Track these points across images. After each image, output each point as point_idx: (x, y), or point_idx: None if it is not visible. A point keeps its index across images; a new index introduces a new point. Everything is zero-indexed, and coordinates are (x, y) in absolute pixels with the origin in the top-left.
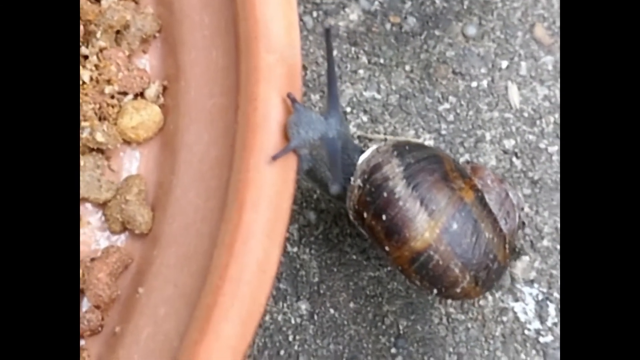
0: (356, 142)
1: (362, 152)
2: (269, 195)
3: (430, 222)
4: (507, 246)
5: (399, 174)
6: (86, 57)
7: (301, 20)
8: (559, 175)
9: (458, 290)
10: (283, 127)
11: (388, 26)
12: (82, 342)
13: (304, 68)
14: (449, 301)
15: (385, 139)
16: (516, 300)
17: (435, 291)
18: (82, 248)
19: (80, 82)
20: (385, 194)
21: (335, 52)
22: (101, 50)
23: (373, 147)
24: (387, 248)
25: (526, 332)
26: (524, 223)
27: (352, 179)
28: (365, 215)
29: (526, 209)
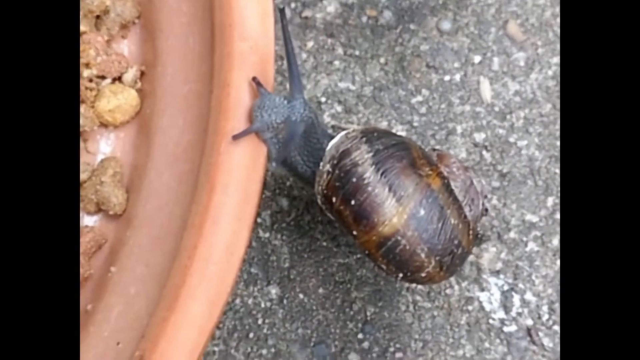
0: (330, 131)
1: (332, 137)
2: (239, 178)
3: (399, 208)
4: (470, 232)
5: (368, 160)
6: None
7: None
8: (527, 169)
9: (423, 274)
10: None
11: (364, 19)
12: None
13: (280, 58)
14: (416, 288)
15: None
16: (482, 290)
17: (400, 275)
18: None
19: None
20: (354, 179)
21: (311, 43)
22: (81, 34)
23: (342, 133)
24: (354, 232)
25: (491, 321)
26: (486, 210)
27: (320, 164)
28: (334, 200)
29: (494, 201)
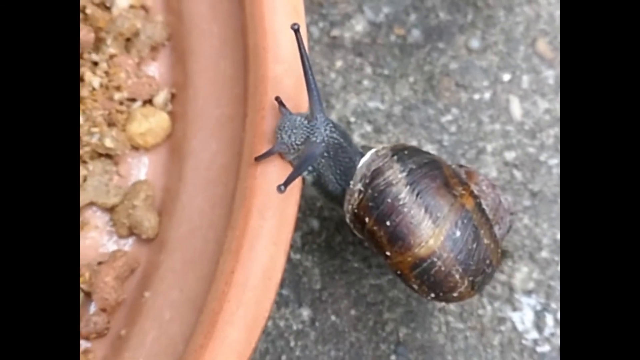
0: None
1: (363, 155)
2: (275, 202)
3: (435, 230)
4: (499, 251)
5: (402, 180)
6: (96, 63)
7: (307, 30)
8: (558, 188)
9: (455, 294)
10: None
11: (393, 38)
12: (88, 345)
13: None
14: (448, 309)
15: None
16: (514, 310)
17: (432, 295)
18: (90, 252)
19: (90, 89)
20: (389, 200)
21: (340, 63)
22: (111, 57)
23: (372, 151)
24: (388, 253)
25: (524, 341)
26: (510, 226)
27: (351, 182)
28: (366, 220)
29: (525, 220)
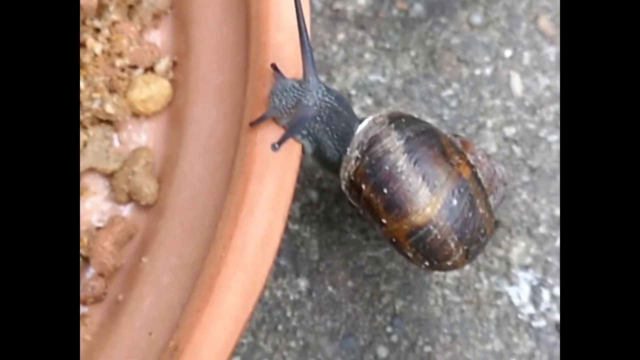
0: None
1: (361, 122)
2: (274, 168)
3: (432, 198)
4: (493, 220)
5: (399, 148)
6: (98, 30)
7: (310, 2)
8: (557, 164)
9: (449, 263)
10: None
11: (395, 12)
12: (85, 310)
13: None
14: (445, 282)
15: None
16: (511, 284)
17: (427, 263)
18: (88, 217)
19: (92, 55)
20: (387, 167)
21: (342, 36)
22: (113, 23)
23: (369, 118)
24: (383, 220)
25: (520, 316)
26: (504, 196)
27: (348, 149)
28: (363, 187)
29: (524, 196)
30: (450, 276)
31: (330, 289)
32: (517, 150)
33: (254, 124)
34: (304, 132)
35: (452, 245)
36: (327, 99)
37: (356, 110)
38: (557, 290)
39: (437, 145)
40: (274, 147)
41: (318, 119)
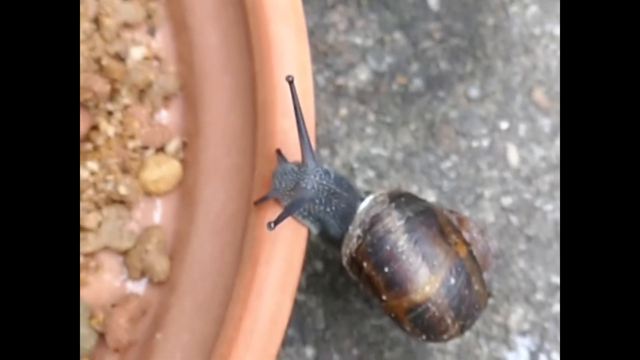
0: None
1: (363, 201)
2: (282, 251)
3: (431, 277)
4: (487, 295)
5: (400, 228)
6: (111, 113)
7: (313, 79)
8: (552, 233)
9: (445, 337)
10: None
11: (395, 87)
12: None
13: (315, 125)
14: (446, 349)
15: None
16: (510, 350)
17: (424, 337)
18: (103, 294)
19: (105, 137)
20: (388, 247)
21: (344, 111)
22: (125, 107)
23: (370, 197)
24: (384, 297)
25: None
26: (495, 269)
27: (350, 227)
28: (364, 264)
29: (521, 264)
30: (452, 343)
31: (336, 356)
32: (514, 219)
33: (258, 203)
34: (305, 214)
35: (449, 321)
36: (324, 182)
37: (359, 183)
38: (555, 356)
39: (435, 224)
40: (269, 226)
41: (317, 201)
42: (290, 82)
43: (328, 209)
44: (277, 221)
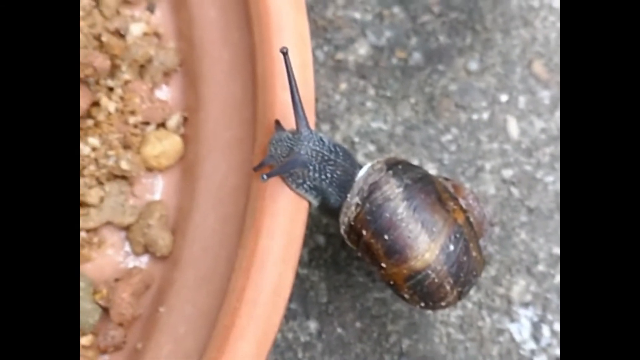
0: None
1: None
2: (284, 222)
3: (431, 244)
4: (484, 261)
5: (399, 195)
6: (112, 89)
7: (313, 54)
8: (553, 204)
9: (443, 303)
10: None
11: (394, 61)
12: (105, 358)
13: (315, 100)
14: (449, 321)
15: None
16: (512, 321)
17: (422, 304)
18: (107, 269)
19: (106, 113)
20: (387, 215)
21: (344, 85)
22: (126, 83)
23: (368, 165)
24: (383, 264)
25: (521, 352)
26: (490, 237)
27: (348, 195)
28: (363, 232)
29: (523, 236)
30: (454, 315)
31: (339, 330)
32: (515, 191)
33: (256, 168)
34: (301, 182)
35: (448, 287)
36: (318, 149)
37: (360, 157)
38: (556, 326)
39: (433, 192)
40: (262, 178)
41: (310, 167)
42: (285, 54)
43: (323, 176)
44: (269, 175)
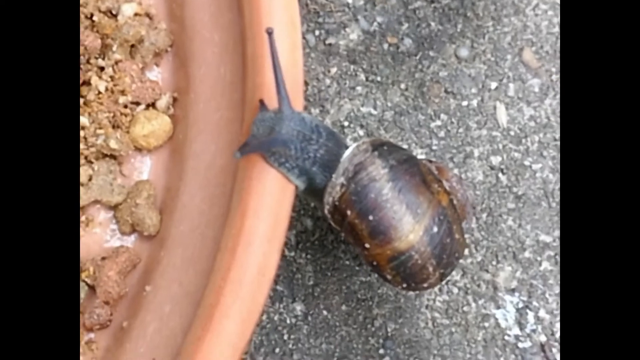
0: None
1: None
2: (270, 203)
3: (415, 225)
4: (465, 244)
5: (384, 176)
6: (102, 68)
7: (304, 38)
8: (541, 191)
9: (425, 285)
10: None
11: (385, 46)
12: (91, 335)
13: (305, 84)
14: (435, 305)
15: None
16: (498, 307)
17: (404, 285)
18: (94, 247)
19: (96, 92)
20: (372, 195)
21: (335, 69)
22: (116, 62)
23: (353, 145)
24: (367, 245)
25: (506, 337)
26: (472, 219)
27: (333, 175)
28: (348, 212)
29: (509, 222)
30: (440, 299)
31: (325, 312)
32: (503, 178)
33: (240, 149)
34: (283, 161)
35: (431, 269)
36: (299, 128)
37: (349, 142)
38: (542, 313)
39: (418, 173)
40: (235, 155)
41: (292, 146)
42: (270, 34)
43: (305, 156)
44: (242, 151)
